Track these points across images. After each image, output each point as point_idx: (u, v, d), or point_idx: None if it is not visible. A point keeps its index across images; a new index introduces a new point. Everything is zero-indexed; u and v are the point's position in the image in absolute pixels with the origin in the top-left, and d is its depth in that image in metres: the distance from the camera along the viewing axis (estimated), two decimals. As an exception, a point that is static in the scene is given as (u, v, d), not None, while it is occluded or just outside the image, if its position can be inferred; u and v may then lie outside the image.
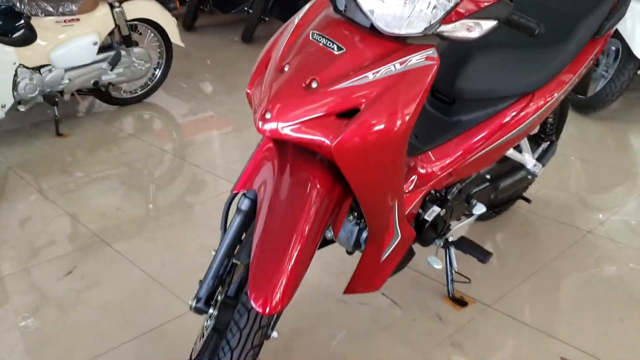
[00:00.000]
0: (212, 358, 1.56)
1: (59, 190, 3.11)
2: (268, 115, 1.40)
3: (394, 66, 1.42)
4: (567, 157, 3.27)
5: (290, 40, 1.54)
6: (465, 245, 2.07)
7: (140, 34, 4.19)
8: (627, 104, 4.00)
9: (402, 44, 1.44)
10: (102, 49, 3.80)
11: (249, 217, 1.61)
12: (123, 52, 3.90)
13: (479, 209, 2.09)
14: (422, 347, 1.99)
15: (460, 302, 2.18)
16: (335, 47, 1.44)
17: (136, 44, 4.03)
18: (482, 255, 2.05)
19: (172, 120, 4.14)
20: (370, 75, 1.40)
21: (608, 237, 2.55)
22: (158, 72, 4.30)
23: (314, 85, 1.40)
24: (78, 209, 2.92)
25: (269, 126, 1.40)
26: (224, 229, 1.66)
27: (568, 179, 3.07)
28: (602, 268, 2.37)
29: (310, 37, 1.49)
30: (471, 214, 2.11)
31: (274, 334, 1.63)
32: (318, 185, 1.49)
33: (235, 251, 1.63)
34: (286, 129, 1.39)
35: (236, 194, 1.63)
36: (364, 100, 1.39)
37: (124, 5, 3.83)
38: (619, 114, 3.83)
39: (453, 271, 2.17)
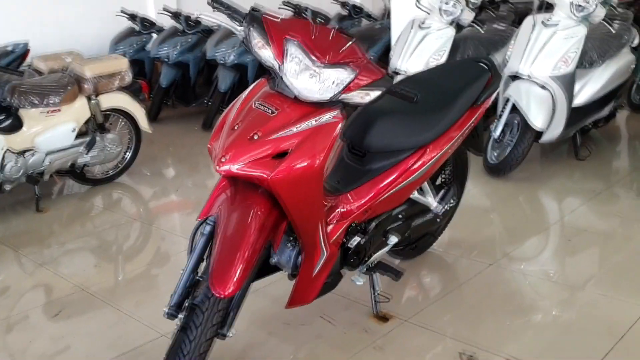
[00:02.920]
0: (177, 351, 2.03)
1: (42, 255, 3.56)
2: (224, 159, 1.97)
3: (311, 122, 2.02)
4: (479, 209, 3.89)
5: (239, 108, 2.13)
6: (382, 267, 2.62)
7: (110, 124, 4.76)
8: (534, 170, 4.69)
9: (316, 108, 2.04)
10: (79, 135, 4.34)
11: (210, 240, 2.13)
12: (97, 138, 4.44)
13: (393, 239, 2.64)
14: (351, 350, 2.48)
15: (384, 318, 2.68)
16: (270, 110, 2.04)
17: (109, 131, 4.59)
18: (395, 274, 2.60)
19: (140, 197, 4.65)
20: (295, 129, 2.00)
21: (505, 268, 3.11)
22: (128, 155, 4.84)
23: (256, 137, 1.98)
24: (60, 268, 3.37)
25: (224, 167, 1.97)
26: (191, 251, 2.17)
27: (478, 225, 3.67)
28: (498, 289, 2.92)
29: (254, 106, 2.09)
30: (387, 244, 2.66)
31: (230, 333, 2.11)
32: (260, 210, 2.04)
33: (199, 269, 2.14)
34: (236, 168, 1.96)
35: (202, 222, 2.15)
36: (291, 146, 1.97)
37: (100, 97, 4.41)
38: (528, 177, 4.49)
39: (376, 293, 2.69)
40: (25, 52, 5.63)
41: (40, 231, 3.96)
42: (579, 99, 4.57)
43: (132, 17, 7.05)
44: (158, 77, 6.81)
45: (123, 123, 4.76)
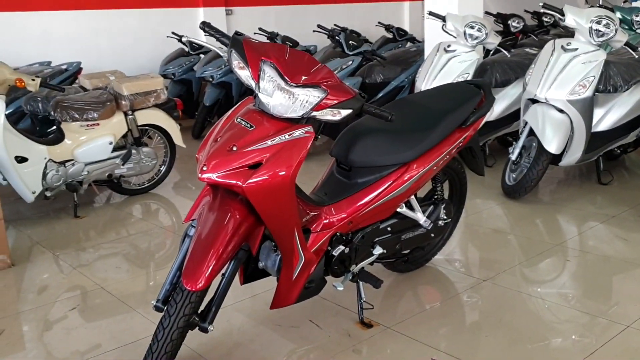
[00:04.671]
0: (154, 338, 2.26)
1: (74, 256, 3.87)
2: (205, 168, 2.19)
3: (285, 137, 2.21)
4: (489, 229, 3.97)
5: (224, 124, 2.36)
6: (363, 275, 2.76)
7: (150, 137, 5.10)
8: (554, 193, 4.72)
9: (291, 123, 2.24)
10: (117, 148, 4.68)
11: (195, 240, 2.35)
12: (133, 151, 4.77)
13: (378, 251, 2.79)
14: (331, 351, 2.64)
15: (368, 325, 2.82)
16: (249, 125, 2.25)
17: (145, 145, 4.92)
18: (375, 282, 2.74)
19: (173, 208, 4.94)
20: (269, 142, 2.20)
21: (498, 284, 3.19)
22: (163, 168, 5.16)
23: (234, 148, 2.19)
24: (88, 268, 3.67)
25: (205, 175, 2.19)
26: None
27: (484, 243, 3.75)
28: (484, 304, 3.01)
29: (235, 121, 2.31)
30: (372, 255, 2.81)
31: (211, 327, 2.32)
32: (237, 214, 2.24)
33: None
34: (216, 176, 2.17)
35: (190, 225, 2.37)
36: (265, 157, 2.17)
37: (136, 113, 4.75)
38: (547, 200, 4.53)
39: (362, 301, 2.84)
40: (78, 71, 6.09)
41: (76, 235, 4.29)
42: (602, 124, 4.59)
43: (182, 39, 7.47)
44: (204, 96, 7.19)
45: (159, 138, 5.08)
